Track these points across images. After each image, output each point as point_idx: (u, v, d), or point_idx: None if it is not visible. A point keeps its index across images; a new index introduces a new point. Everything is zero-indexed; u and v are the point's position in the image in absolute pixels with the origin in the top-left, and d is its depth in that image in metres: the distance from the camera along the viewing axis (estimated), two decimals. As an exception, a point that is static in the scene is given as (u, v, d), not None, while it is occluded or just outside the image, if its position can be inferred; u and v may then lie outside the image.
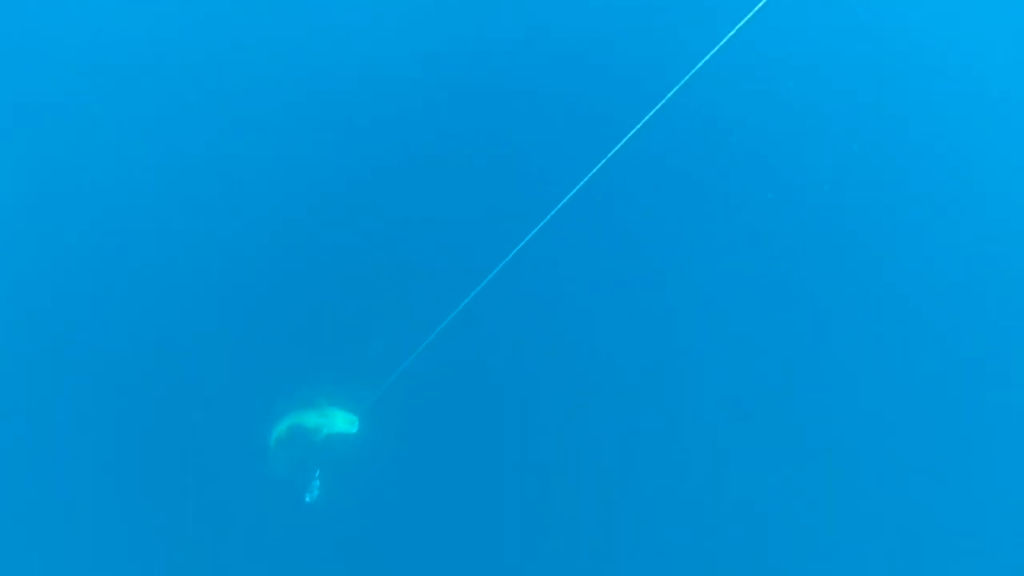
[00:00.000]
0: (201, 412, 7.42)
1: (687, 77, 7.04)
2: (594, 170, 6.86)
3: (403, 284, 8.08)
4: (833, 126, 9.44)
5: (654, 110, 7.00)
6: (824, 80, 9.70)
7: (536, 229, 6.84)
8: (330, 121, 9.21)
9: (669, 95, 7.05)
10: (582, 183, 6.84)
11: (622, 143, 6.87)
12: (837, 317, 8.29)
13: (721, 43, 7.05)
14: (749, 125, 9.28)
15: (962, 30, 10.22)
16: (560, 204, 6.89)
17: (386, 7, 10.03)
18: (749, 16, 7.00)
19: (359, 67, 9.49)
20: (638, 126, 6.88)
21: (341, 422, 7.37)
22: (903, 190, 9.11)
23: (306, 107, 9.25)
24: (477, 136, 9.06)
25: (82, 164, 8.71)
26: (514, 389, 7.69)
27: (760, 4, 7.04)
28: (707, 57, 7.06)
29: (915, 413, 7.79)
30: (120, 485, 7.19)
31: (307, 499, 7.11)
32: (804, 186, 9.03)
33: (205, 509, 7.09)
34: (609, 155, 6.86)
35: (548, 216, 6.88)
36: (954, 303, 8.40)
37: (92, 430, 7.38)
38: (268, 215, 8.50)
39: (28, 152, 8.81)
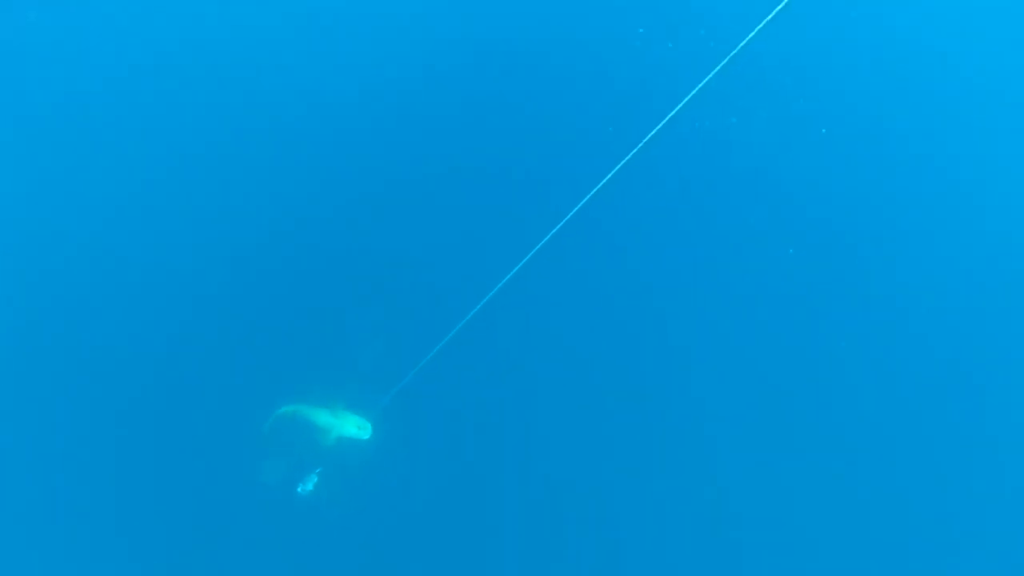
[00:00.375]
0: (209, 408, 7.42)
1: (697, 87, 7.10)
2: (612, 172, 6.91)
3: (417, 287, 8.11)
4: (846, 139, 9.47)
5: (663, 121, 7.07)
6: (837, 92, 9.76)
7: (553, 231, 6.87)
8: (359, 123, 9.25)
9: (679, 106, 7.11)
10: (601, 184, 6.90)
11: (636, 150, 6.95)
12: (853, 334, 8.27)
13: (734, 51, 7.10)
14: (758, 137, 9.33)
15: (974, 35, 10.20)
16: (578, 206, 6.94)
17: (401, 13, 10.09)
18: (759, 27, 7.08)
19: (365, 73, 9.51)
20: (648, 136, 6.96)
21: (352, 426, 7.29)
22: (920, 204, 9.09)
23: (332, 112, 9.26)
24: (500, 138, 9.12)
25: (87, 166, 8.69)
26: (526, 397, 7.66)
27: (766, 19, 7.11)
28: (719, 66, 7.11)
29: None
30: (125, 480, 7.17)
31: (299, 490, 7.03)
32: (813, 195, 9.05)
33: (205, 505, 7.08)
34: (623, 162, 6.93)
35: (567, 217, 6.92)
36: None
37: (99, 425, 7.39)
38: (290, 216, 8.53)
39: (29, 152, 8.77)
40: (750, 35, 7.05)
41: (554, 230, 6.89)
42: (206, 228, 8.44)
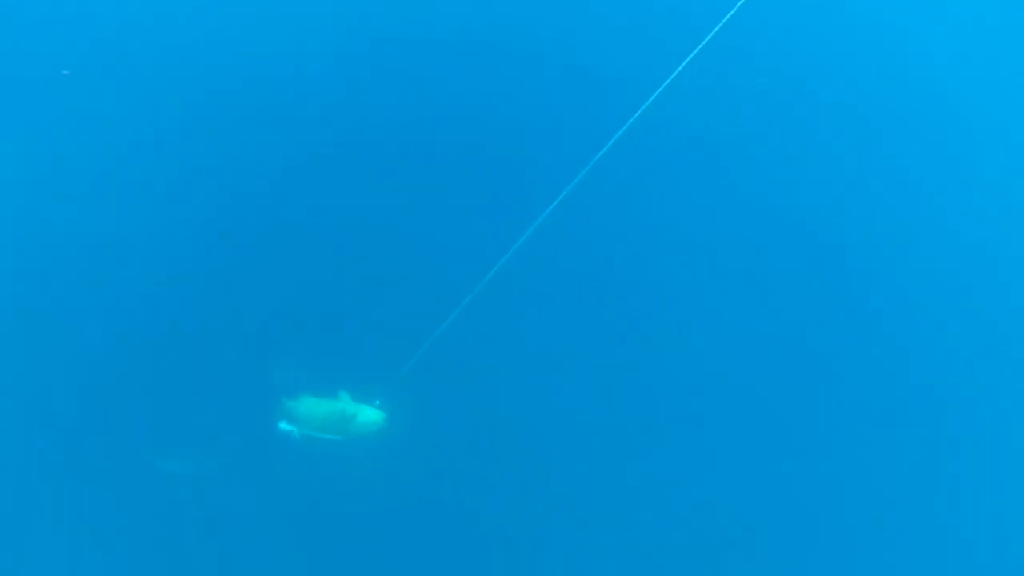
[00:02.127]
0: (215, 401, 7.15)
1: (671, 77, 7.42)
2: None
3: (413, 272, 8.00)
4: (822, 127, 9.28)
5: (639, 111, 7.37)
6: (807, 80, 9.55)
7: (539, 220, 7.03)
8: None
9: (654, 96, 7.41)
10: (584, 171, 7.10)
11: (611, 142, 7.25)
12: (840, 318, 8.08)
13: (702, 43, 7.45)
14: (735, 127, 9.36)
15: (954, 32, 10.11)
16: (556, 200, 7.16)
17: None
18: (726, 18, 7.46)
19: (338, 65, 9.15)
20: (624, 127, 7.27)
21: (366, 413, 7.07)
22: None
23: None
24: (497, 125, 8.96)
25: (86, 162, 8.43)
26: (532, 384, 7.46)
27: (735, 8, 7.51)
28: (688, 58, 7.43)
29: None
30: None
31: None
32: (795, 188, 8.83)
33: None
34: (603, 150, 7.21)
35: (552, 204, 7.09)
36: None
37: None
38: (277, 206, 8.31)
39: (28, 151, 8.59)
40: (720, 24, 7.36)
41: (547, 211, 7.05)
42: (192, 218, 8.18)
